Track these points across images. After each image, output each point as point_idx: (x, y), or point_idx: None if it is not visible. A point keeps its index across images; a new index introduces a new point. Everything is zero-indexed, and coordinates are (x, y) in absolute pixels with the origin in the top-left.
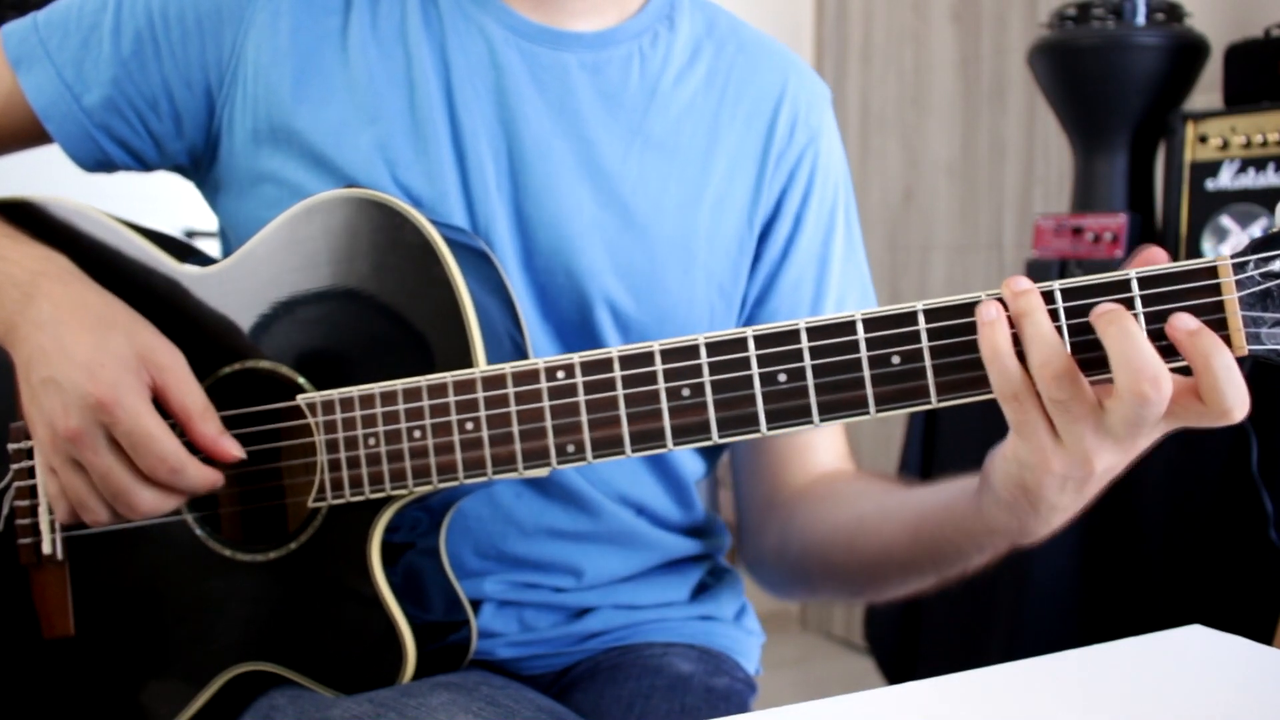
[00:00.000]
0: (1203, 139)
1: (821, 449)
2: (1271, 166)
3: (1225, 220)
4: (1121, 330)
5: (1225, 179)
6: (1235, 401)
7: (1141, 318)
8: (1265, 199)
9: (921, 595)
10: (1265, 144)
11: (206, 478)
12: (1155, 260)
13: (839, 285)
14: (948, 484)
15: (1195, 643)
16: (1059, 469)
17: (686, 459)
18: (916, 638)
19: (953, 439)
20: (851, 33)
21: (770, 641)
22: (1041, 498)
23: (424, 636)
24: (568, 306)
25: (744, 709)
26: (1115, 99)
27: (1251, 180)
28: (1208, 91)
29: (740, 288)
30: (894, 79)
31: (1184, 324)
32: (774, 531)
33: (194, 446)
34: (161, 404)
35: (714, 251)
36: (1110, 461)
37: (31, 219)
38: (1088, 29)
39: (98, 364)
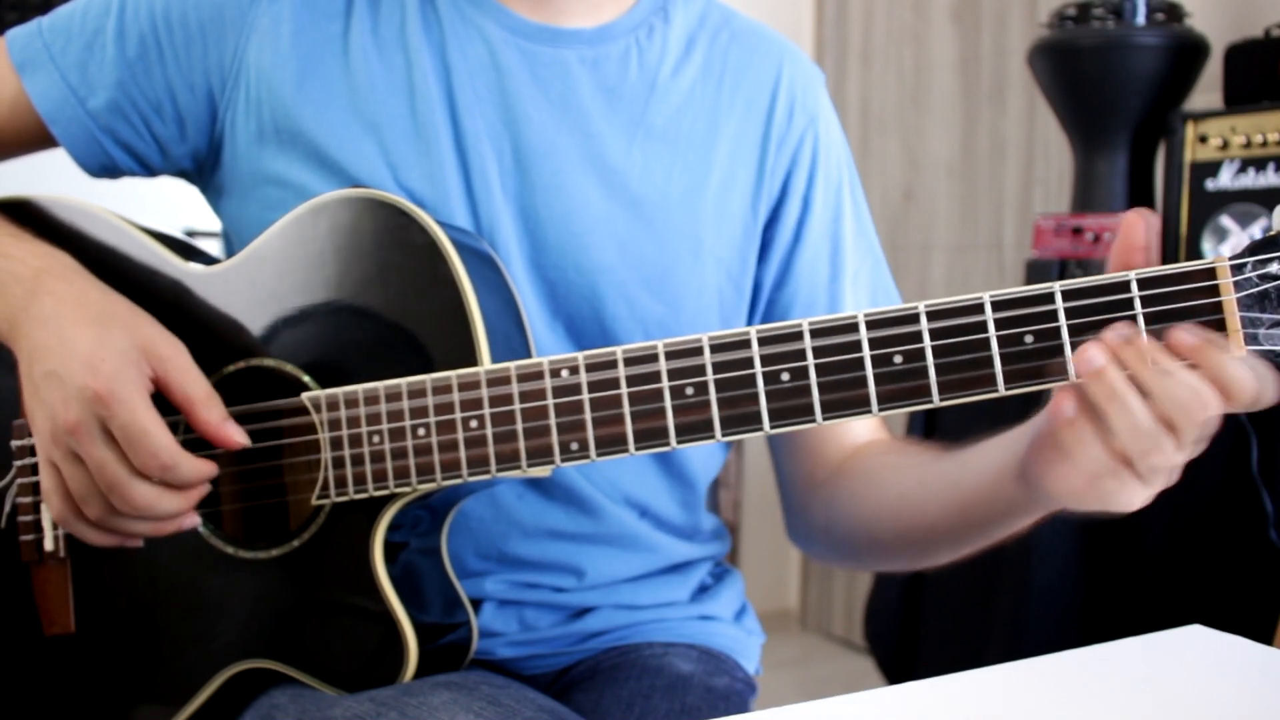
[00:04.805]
0: (1203, 139)
1: (857, 422)
2: (1271, 166)
3: (1225, 220)
4: (1221, 363)
5: (1225, 179)
6: (1261, 395)
7: (1141, 318)
8: (1265, 199)
9: (921, 595)
10: (1265, 144)
11: (201, 473)
12: (1136, 226)
13: (853, 261)
14: (986, 452)
15: (1195, 643)
16: (1140, 504)
17: (700, 460)
18: (916, 638)
19: (952, 438)
20: (851, 33)
21: (770, 641)
22: None
23: (425, 635)
24: (578, 303)
25: (744, 709)
26: (1115, 99)
27: (1251, 180)
28: (1208, 91)
29: (749, 274)
30: (894, 79)
31: (1184, 341)
32: (819, 509)
33: (198, 437)
34: (164, 395)
35: (721, 238)
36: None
37: (34, 218)
38: (1088, 29)
39: (98, 358)
